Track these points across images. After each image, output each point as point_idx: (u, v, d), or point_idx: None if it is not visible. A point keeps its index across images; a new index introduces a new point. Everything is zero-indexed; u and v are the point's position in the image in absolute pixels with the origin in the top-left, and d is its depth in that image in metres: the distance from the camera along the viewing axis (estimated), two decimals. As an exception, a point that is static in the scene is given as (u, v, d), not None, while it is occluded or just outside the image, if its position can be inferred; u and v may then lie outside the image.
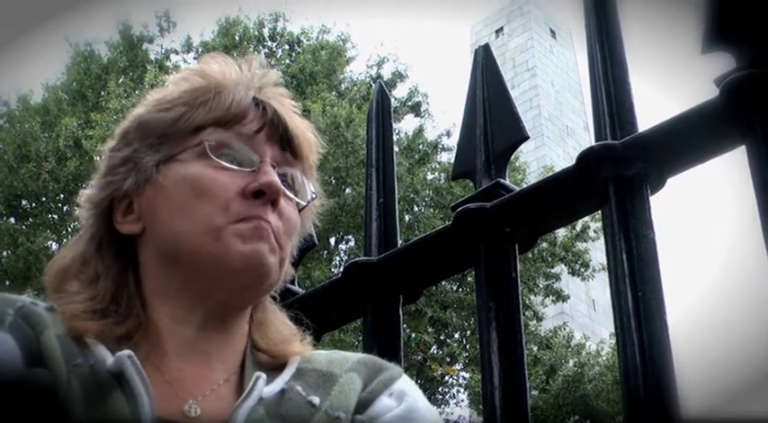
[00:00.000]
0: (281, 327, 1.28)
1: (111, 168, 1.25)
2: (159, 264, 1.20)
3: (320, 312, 1.61)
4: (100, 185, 1.26)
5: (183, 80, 1.28)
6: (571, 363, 19.07)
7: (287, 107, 1.29)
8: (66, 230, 18.52)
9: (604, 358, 19.49)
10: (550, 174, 1.50)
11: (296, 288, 1.70)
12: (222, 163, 1.19)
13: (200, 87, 1.25)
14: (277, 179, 1.20)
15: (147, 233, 1.22)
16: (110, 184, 1.24)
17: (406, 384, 1.23)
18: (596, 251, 20.04)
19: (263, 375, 1.14)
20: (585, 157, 1.40)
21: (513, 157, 1.67)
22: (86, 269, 1.22)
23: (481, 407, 1.64)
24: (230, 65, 1.29)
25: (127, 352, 1.08)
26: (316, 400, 1.15)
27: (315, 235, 1.73)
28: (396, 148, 1.83)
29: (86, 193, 1.28)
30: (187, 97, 1.24)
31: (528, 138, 1.60)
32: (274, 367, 1.20)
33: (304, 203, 1.27)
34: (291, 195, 1.24)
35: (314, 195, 1.29)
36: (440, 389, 19.56)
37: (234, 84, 1.26)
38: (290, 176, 1.26)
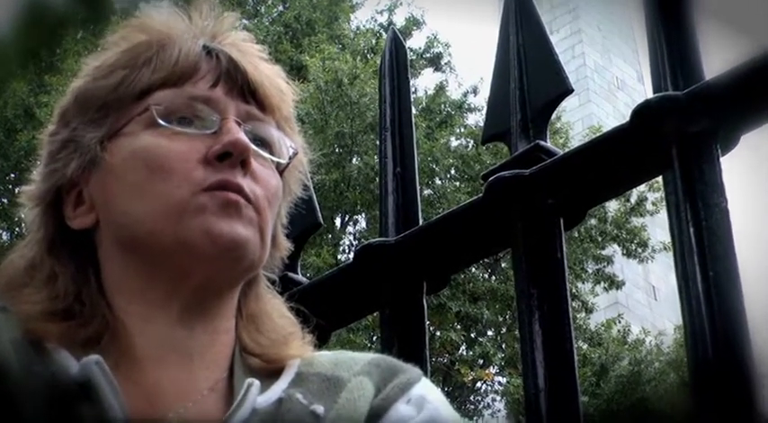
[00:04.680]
0: (279, 320, 1.29)
1: (51, 155, 1.27)
2: (119, 257, 1.21)
3: (328, 305, 1.62)
4: (41, 177, 1.28)
5: (122, 39, 1.28)
6: (625, 361, 19.01)
7: (248, 53, 1.29)
8: (19, 217, 18.58)
9: (665, 354, 19.43)
10: (599, 135, 1.50)
11: (299, 277, 1.71)
12: (176, 128, 1.20)
13: (142, 43, 1.26)
14: (243, 136, 1.20)
15: (103, 224, 1.23)
16: (52, 174, 1.25)
17: (427, 389, 1.23)
18: (655, 228, 20.01)
19: (257, 382, 1.15)
20: (642, 113, 1.40)
21: (554, 115, 1.67)
22: (39, 272, 1.23)
23: (522, 417, 1.65)
24: (176, 15, 1.30)
25: (94, 357, 1.09)
26: (320, 409, 1.15)
27: (318, 212, 1.74)
28: (413, 109, 1.83)
29: (26, 190, 1.29)
30: (127, 58, 1.25)
31: (572, 91, 1.60)
32: (269, 372, 1.21)
33: (283, 162, 1.27)
34: (266, 154, 1.25)
35: (294, 151, 1.29)
36: (471, 397, 19.61)
37: (181, 34, 1.27)
38: (262, 133, 1.26)
